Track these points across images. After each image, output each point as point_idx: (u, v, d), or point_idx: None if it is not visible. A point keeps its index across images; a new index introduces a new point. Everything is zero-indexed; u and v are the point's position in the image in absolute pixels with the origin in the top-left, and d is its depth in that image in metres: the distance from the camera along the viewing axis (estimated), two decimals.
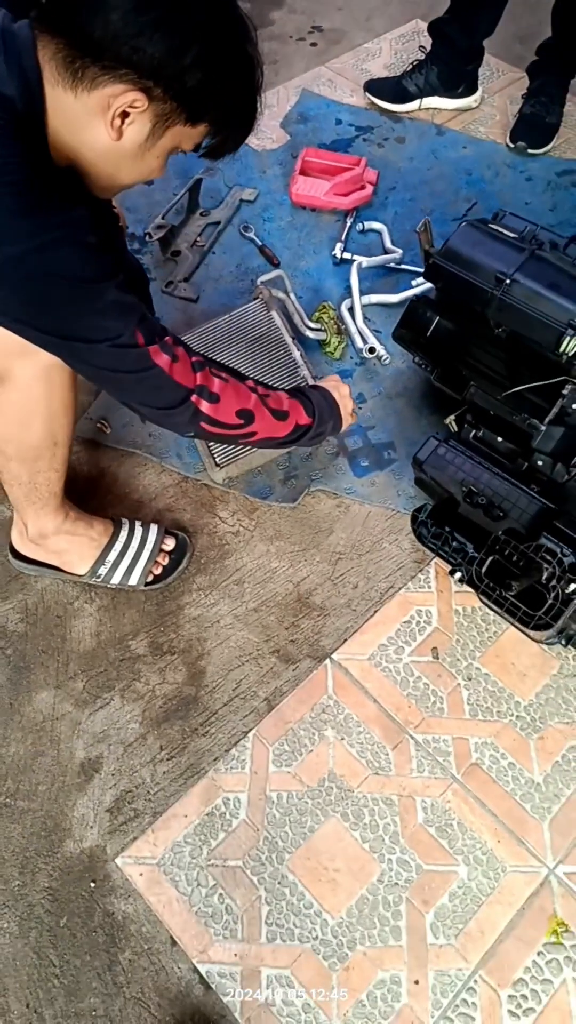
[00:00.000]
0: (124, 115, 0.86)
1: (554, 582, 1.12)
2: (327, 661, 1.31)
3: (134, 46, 0.81)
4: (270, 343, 1.55)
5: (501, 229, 1.35)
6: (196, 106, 0.88)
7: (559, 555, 1.12)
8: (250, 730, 1.24)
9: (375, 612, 1.36)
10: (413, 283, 1.77)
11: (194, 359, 1.03)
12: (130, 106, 0.85)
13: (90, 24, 0.81)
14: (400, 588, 1.38)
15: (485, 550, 1.19)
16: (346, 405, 1.32)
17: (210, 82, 0.86)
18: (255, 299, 1.62)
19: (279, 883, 1.13)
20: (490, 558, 1.18)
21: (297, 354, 1.52)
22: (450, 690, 1.28)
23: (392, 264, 1.80)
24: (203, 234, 1.87)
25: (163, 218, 1.78)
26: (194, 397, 1.03)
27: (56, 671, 1.29)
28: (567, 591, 1.11)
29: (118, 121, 0.86)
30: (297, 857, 1.15)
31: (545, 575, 1.13)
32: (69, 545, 1.31)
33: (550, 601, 1.13)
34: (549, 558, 1.13)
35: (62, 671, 1.29)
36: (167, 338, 0.99)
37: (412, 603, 1.37)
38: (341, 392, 1.32)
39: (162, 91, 0.85)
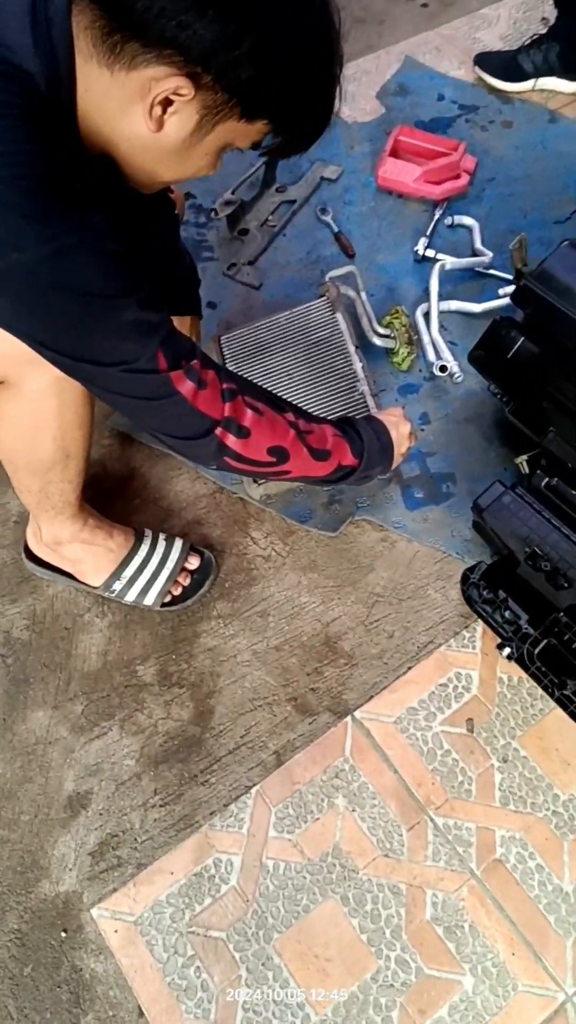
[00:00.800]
0: (167, 103, 0.72)
1: None
2: (348, 718, 1.18)
3: (182, 23, 0.67)
4: (331, 349, 1.40)
5: None
6: (252, 101, 0.73)
7: None
8: (254, 785, 1.13)
9: (409, 669, 1.22)
10: (500, 292, 1.58)
11: (225, 386, 0.90)
12: (174, 93, 0.71)
13: None
14: (440, 645, 1.24)
15: (542, 630, 1.04)
16: (403, 444, 1.18)
17: (271, 76, 0.72)
18: (321, 296, 1.47)
19: (263, 964, 1.03)
20: (545, 640, 1.03)
21: (359, 366, 1.36)
22: (481, 771, 1.15)
23: (480, 268, 1.62)
24: (276, 213, 1.72)
25: (233, 193, 1.62)
26: (219, 430, 0.90)
27: (56, 689, 1.20)
28: None
29: (158, 110, 0.72)
30: (287, 938, 1.04)
31: None
32: (85, 555, 1.21)
33: None
34: None
35: (62, 690, 1.20)
36: (194, 361, 0.85)
37: (452, 664, 1.23)
38: (400, 431, 1.18)
39: (212, 80, 0.70)
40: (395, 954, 1.03)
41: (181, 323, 1.21)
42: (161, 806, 1.12)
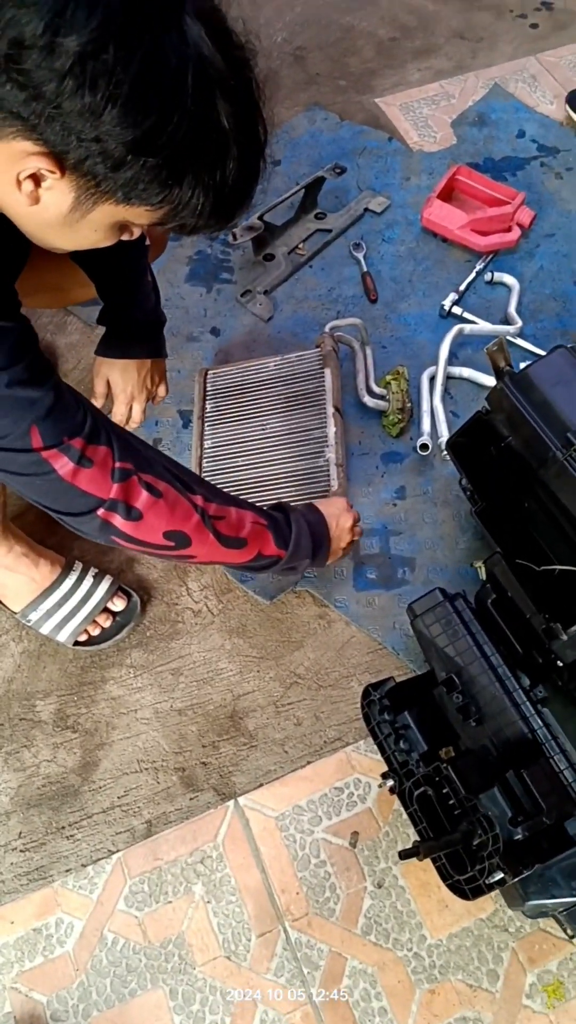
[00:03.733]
0: (37, 178, 0.66)
1: (483, 854, 0.88)
2: (231, 803, 1.13)
3: (37, 98, 0.60)
4: (309, 407, 1.32)
5: None
6: (125, 188, 0.66)
7: (495, 831, 0.87)
8: (118, 851, 1.11)
9: (308, 763, 1.16)
10: (522, 366, 1.45)
11: (118, 465, 0.84)
12: (45, 170, 0.65)
13: None
14: (348, 745, 1.17)
15: (424, 774, 0.96)
16: (343, 538, 1.11)
17: (143, 159, 0.64)
18: (316, 347, 1.38)
19: None
20: (422, 789, 0.94)
21: (332, 431, 1.28)
22: (352, 891, 1.08)
23: (508, 336, 1.49)
24: (308, 241, 1.63)
25: (261, 217, 1.54)
26: (102, 511, 0.85)
27: None
28: (490, 880, 0.86)
29: (29, 185, 0.66)
30: (105, 1019, 1.02)
31: (475, 842, 0.89)
32: (6, 580, 1.20)
33: (471, 873, 0.89)
34: (486, 826, 0.88)
35: None
36: (76, 440, 0.80)
37: (354, 768, 1.16)
38: (341, 523, 1.11)
39: (76, 161, 0.63)
40: None
41: (141, 366, 1.16)
42: (22, 851, 1.11)
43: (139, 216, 0.71)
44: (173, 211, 0.69)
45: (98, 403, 1.17)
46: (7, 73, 0.59)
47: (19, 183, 0.66)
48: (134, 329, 1.13)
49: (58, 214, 0.69)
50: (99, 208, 0.69)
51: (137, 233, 0.78)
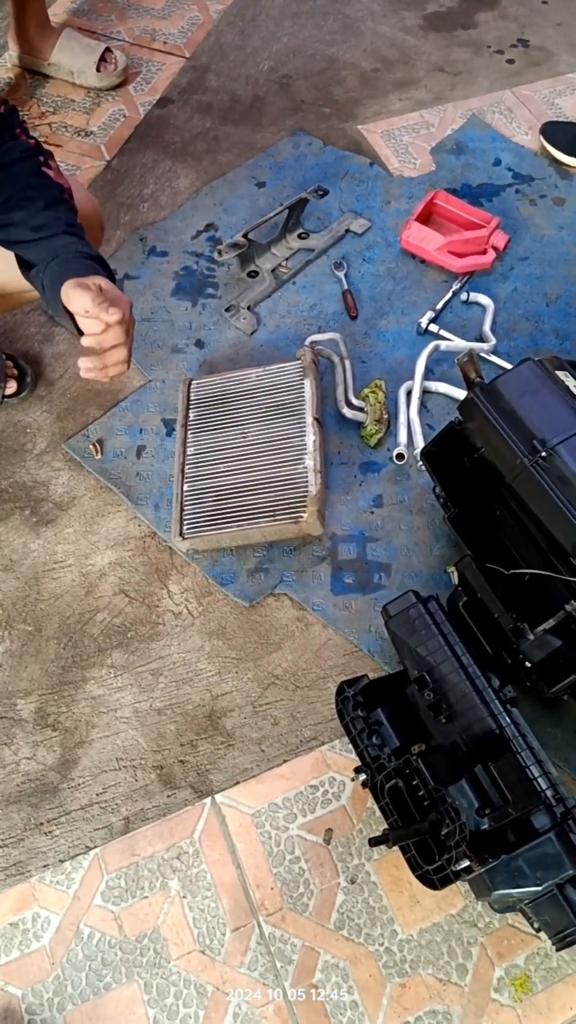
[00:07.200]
0: None
1: (451, 843, 0.91)
2: (208, 800, 1.16)
3: None
4: (290, 416, 1.36)
5: None
6: None
7: (462, 820, 0.90)
8: (95, 847, 1.12)
9: (284, 762, 1.18)
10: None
11: None
12: None
13: None
14: (323, 744, 1.20)
15: (395, 767, 0.98)
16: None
17: None
18: (297, 359, 1.43)
19: None
20: (393, 782, 0.97)
21: (311, 439, 1.32)
22: (326, 887, 1.10)
23: (482, 353, 1.54)
24: (291, 259, 1.68)
25: (246, 235, 1.59)
26: None
27: None
28: (457, 867, 0.89)
29: None
30: (79, 1013, 1.03)
31: (443, 831, 0.92)
32: None
33: (439, 862, 0.92)
34: (453, 815, 0.91)
35: None
36: None
37: (329, 767, 1.18)
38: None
39: None
40: None
41: None
42: (0, 847, 1.12)
43: None
44: None
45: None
46: None
47: None
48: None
49: None
50: None
51: None
